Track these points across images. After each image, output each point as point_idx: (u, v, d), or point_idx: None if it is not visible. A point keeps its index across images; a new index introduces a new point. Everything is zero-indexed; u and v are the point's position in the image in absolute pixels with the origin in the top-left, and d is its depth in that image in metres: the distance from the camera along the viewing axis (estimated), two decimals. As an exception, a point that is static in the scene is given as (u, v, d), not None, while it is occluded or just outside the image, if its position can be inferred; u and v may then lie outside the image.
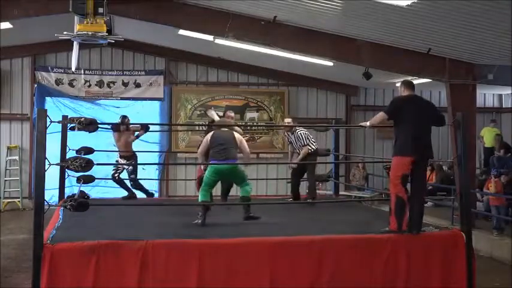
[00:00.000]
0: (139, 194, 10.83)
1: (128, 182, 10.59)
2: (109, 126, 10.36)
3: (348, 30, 11.23)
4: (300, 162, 9.57)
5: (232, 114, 8.57)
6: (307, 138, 9.53)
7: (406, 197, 6.58)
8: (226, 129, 7.93)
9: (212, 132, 7.85)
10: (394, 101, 7.23)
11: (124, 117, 10.77)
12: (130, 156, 10.52)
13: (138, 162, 10.93)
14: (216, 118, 8.77)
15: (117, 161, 10.53)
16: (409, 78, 13.33)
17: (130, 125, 10.65)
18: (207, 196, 7.61)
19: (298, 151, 9.66)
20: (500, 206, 11.78)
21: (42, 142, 5.95)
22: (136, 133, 10.63)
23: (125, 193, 10.61)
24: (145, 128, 10.77)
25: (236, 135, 7.82)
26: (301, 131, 9.56)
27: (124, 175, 10.57)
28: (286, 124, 10.09)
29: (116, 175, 10.45)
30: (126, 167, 10.41)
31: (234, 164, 7.61)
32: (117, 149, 10.67)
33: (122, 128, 10.47)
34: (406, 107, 6.75)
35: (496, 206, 11.76)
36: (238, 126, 8.61)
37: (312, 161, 9.66)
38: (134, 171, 10.54)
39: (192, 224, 7.45)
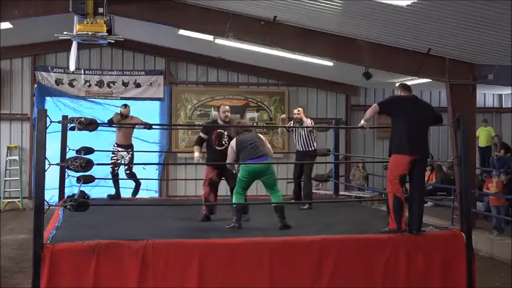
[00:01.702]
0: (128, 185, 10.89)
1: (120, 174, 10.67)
2: (107, 125, 10.39)
3: (347, 30, 11.23)
4: (297, 162, 9.60)
5: (227, 107, 8.53)
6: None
7: (403, 197, 6.58)
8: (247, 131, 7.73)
9: (235, 138, 7.56)
10: (391, 97, 7.30)
11: (124, 106, 10.80)
12: (128, 146, 10.56)
13: (138, 162, 10.95)
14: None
15: (113, 150, 10.51)
16: (409, 78, 13.41)
17: (132, 117, 10.67)
18: (242, 199, 7.39)
19: (301, 146, 9.49)
20: (501, 206, 11.79)
21: (42, 142, 5.95)
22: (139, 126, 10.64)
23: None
24: (149, 126, 10.79)
25: (259, 134, 7.72)
26: (309, 121, 9.49)
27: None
28: (296, 114, 9.64)
29: (116, 168, 10.46)
30: (124, 155, 10.44)
31: (269, 163, 7.40)
32: (115, 140, 10.67)
33: (121, 117, 10.52)
34: (403, 105, 6.76)
35: (496, 206, 11.76)
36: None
37: (311, 161, 9.61)
38: (132, 161, 10.57)
39: (192, 224, 7.46)
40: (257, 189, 8.59)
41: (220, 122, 8.39)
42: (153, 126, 16.34)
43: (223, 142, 8.16)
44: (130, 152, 10.54)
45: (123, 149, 10.51)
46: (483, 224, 12.14)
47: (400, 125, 6.67)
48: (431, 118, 6.92)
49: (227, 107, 8.51)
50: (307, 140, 9.47)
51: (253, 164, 7.23)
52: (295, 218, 8.12)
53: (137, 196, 11.05)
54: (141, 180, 11.12)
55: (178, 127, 17.42)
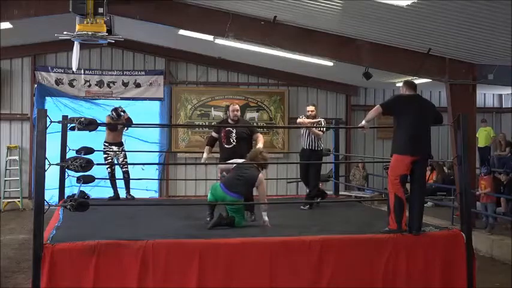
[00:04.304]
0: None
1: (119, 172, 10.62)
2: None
3: (348, 30, 11.23)
4: (303, 162, 9.52)
5: (237, 106, 8.52)
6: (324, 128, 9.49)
7: (404, 197, 6.57)
8: None
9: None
10: (393, 98, 7.29)
11: (117, 109, 10.60)
12: (120, 143, 10.52)
13: (137, 162, 10.94)
14: None
15: (106, 151, 10.42)
16: (409, 78, 13.39)
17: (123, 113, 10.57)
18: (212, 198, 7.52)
19: (308, 145, 9.40)
20: (489, 203, 12.13)
21: (42, 142, 5.95)
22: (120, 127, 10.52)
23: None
24: (128, 123, 10.61)
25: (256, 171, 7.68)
26: (322, 121, 9.48)
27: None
28: (310, 112, 9.53)
29: (114, 167, 10.43)
30: (117, 152, 10.40)
31: (236, 203, 7.44)
32: (106, 139, 10.55)
33: (117, 119, 10.43)
34: (406, 105, 6.74)
35: (484, 203, 12.11)
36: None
37: (316, 161, 9.55)
38: (126, 157, 10.56)
39: (192, 224, 7.45)
40: (268, 190, 8.57)
41: (229, 121, 8.44)
42: (153, 127, 16.49)
43: (231, 140, 8.21)
44: (123, 148, 10.52)
45: (116, 147, 10.48)
46: (483, 224, 12.15)
47: (402, 125, 6.66)
48: (433, 117, 6.90)
49: (237, 106, 8.54)
50: (316, 139, 9.42)
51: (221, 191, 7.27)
52: (295, 218, 8.13)
53: (134, 194, 11.00)
54: (141, 180, 11.08)
55: (178, 127, 17.44)
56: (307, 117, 9.53)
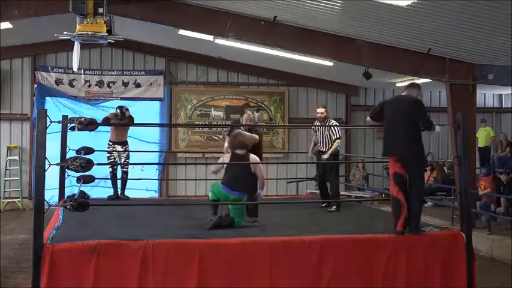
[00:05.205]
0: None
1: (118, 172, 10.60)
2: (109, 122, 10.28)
3: (347, 30, 11.24)
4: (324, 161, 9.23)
5: (250, 114, 8.71)
6: (339, 131, 9.29)
7: (401, 197, 6.52)
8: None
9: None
10: (378, 104, 7.40)
11: (122, 108, 10.52)
12: (124, 142, 10.47)
13: (137, 162, 10.94)
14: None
15: (110, 150, 10.36)
16: (409, 78, 13.44)
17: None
18: (214, 196, 7.52)
19: (324, 146, 9.26)
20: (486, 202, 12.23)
21: (42, 142, 5.94)
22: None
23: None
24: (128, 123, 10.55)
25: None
26: (334, 123, 9.40)
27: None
28: (320, 114, 9.33)
29: (115, 167, 10.41)
30: (120, 152, 10.34)
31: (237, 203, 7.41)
32: (110, 138, 10.48)
33: (122, 117, 10.34)
34: (385, 107, 6.89)
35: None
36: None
37: (336, 161, 9.44)
38: (129, 156, 10.53)
39: (192, 224, 7.45)
40: (268, 190, 8.60)
41: (241, 128, 8.51)
42: (153, 126, 16.49)
43: None
44: (127, 148, 10.45)
45: (120, 146, 10.42)
46: (483, 224, 12.16)
47: (384, 127, 6.84)
48: (414, 116, 6.75)
49: (250, 113, 8.73)
50: (331, 140, 9.28)
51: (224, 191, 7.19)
52: (296, 218, 8.13)
53: (134, 194, 10.96)
54: (141, 180, 11.03)
55: (178, 127, 17.46)
56: (318, 119, 9.40)
